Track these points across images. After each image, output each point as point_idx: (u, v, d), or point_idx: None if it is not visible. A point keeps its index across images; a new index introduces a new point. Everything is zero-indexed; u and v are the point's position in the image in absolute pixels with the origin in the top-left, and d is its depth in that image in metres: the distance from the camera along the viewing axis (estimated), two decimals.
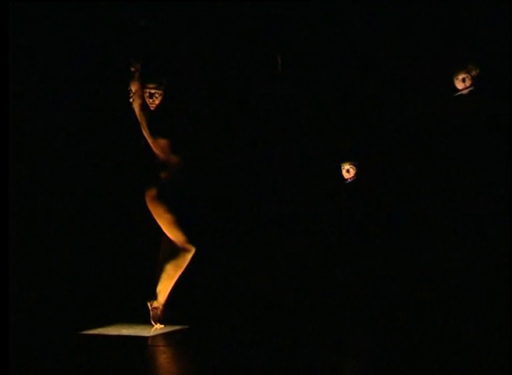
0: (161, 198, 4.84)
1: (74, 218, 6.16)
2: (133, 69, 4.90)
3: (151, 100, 4.94)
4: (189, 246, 4.84)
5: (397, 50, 5.99)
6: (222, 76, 6.15)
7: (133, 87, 4.92)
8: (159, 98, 4.96)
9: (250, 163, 5.97)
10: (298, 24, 6.18)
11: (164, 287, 4.88)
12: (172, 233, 4.85)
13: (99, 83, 6.26)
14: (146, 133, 4.95)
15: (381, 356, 3.93)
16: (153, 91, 4.94)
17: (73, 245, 6.09)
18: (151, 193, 4.88)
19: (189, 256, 4.85)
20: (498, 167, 5.32)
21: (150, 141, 4.94)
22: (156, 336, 4.68)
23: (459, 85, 5.53)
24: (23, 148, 6.05)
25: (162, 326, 4.89)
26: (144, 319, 4.92)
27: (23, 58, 6.03)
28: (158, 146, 4.92)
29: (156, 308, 4.89)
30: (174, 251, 4.86)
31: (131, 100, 4.92)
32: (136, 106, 4.95)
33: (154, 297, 4.88)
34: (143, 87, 4.92)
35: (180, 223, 4.83)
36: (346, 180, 5.77)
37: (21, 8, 5.96)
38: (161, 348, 4.38)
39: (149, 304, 4.89)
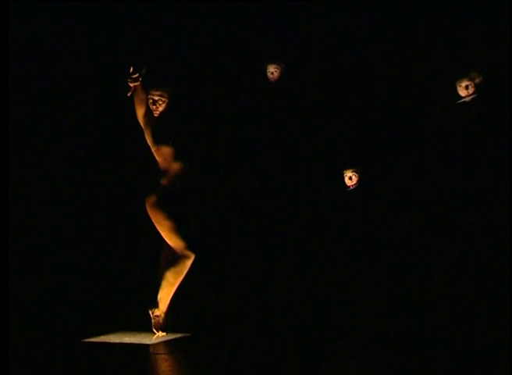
0: (161, 205, 4.85)
1: (76, 225, 6.15)
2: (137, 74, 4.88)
3: (154, 107, 4.93)
4: (188, 253, 4.84)
5: (399, 55, 5.98)
6: (226, 82, 6.15)
7: (139, 94, 4.91)
8: (163, 105, 4.95)
9: (252, 170, 5.96)
10: (300, 27, 6.18)
11: (165, 295, 4.88)
12: (172, 240, 4.86)
13: (101, 87, 6.25)
14: (150, 141, 4.95)
15: (382, 358, 3.94)
16: (156, 98, 4.93)
17: (75, 252, 6.08)
18: (151, 200, 4.88)
19: (189, 263, 4.85)
20: (499, 172, 5.32)
21: (153, 148, 4.94)
22: (158, 344, 4.68)
23: (462, 92, 5.53)
24: (25, 156, 6.04)
25: (164, 333, 4.88)
26: (146, 327, 4.91)
27: (22, 59, 6.03)
28: (160, 154, 4.92)
29: (158, 315, 4.88)
30: (174, 258, 4.86)
31: (128, 94, 4.89)
32: (140, 114, 4.95)
33: (156, 304, 4.88)
34: (147, 93, 4.92)
35: (180, 230, 4.83)
36: (349, 187, 5.76)
37: (21, 8, 5.96)
38: (163, 355, 4.38)
39: (151, 312, 4.89)
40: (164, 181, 4.92)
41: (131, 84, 4.87)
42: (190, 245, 4.85)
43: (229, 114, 6.00)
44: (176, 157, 4.91)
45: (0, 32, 4.39)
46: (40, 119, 6.20)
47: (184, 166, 4.94)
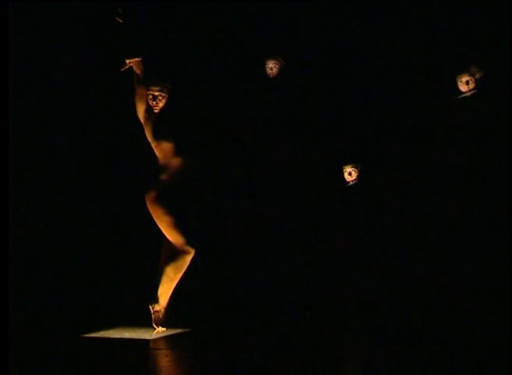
0: (161, 201, 4.85)
1: (76, 220, 6.16)
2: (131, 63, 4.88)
3: (154, 102, 4.94)
4: (188, 248, 4.84)
5: (399, 51, 5.99)
6: (225, 78, 6.16)
7: (139, 90, 4.91)
8: (163, 101, 4.96)
9: (252, 166, 5.97)
10: (299, 24, 6.19)
11: (165, 290, 4.88)
12: (172, 236, 4.86)
13: (100, 84, 6.25)
14: (150, 137, 4.96)
15: (380, 359, 3.93)
16: (156, 94, 4.93)
17: (75, 248, 6.08)
18: (151, 195, 4.89)
19: (188, 258, 4.85)
20: (499, 170, 5.33)
21: (153, 144, 4.95)
22: (158, 339, 4.67)
23: (462, 88, 5.54)
24: (24, 153, 6.04)
25: (164, 329, 4.88)
26: (146, 322, 4.91)
27: (22, 58, 6.04)
28: (160, 150, 4.93)
29: (158, 311, 4.88)
30: (174, 254, 4.86)
31: (122, 70, 4.88)
32: (140, 110, 4.96)
33: (156, 300, 4.87)
34: (147, 89, 4.92)
35: (180, 226, 4.83)
36: (348, 182, 5.77)
37: (21, 8, 5.97)
38: (163, 351, 4.37)
39: (151, 307, 4.88)
40: (164, 177, 4.93)
41: (127, 60, 4.87)
42: (190, 241, 4.85)
43: (228, 110, 6.01)
44: (176, 153, 4.92)
45: (0, 32, 4.39)
46: (40, 114, 6.21)
47: (184, 162, 4.94)
